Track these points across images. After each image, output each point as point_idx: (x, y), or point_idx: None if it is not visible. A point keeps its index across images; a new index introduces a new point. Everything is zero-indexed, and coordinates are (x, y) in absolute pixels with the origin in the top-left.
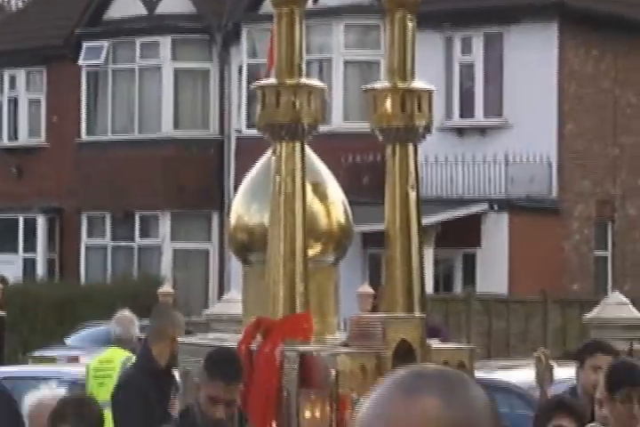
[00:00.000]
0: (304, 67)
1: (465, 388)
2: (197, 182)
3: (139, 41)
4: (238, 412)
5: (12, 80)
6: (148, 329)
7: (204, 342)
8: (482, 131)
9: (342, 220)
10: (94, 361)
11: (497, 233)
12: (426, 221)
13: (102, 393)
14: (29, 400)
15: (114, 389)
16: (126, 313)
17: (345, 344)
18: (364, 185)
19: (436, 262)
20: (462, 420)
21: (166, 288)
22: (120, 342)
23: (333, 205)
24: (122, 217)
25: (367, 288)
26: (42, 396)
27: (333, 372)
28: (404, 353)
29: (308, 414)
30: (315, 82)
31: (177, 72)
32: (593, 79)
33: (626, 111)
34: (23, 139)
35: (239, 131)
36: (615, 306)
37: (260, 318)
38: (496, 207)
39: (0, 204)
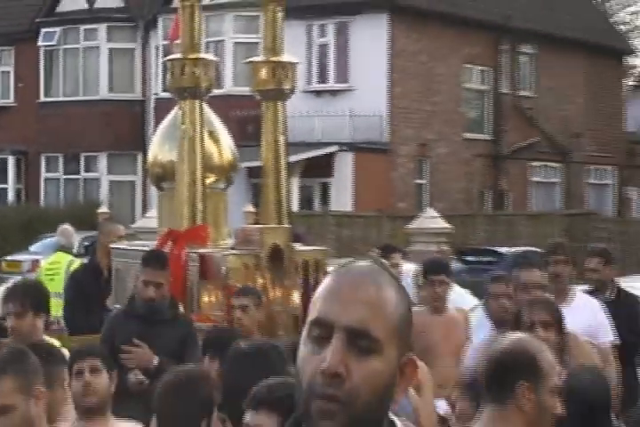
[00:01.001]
0: (203, 46)
1: (395, 282)
2: (126, 131)
3: (82, 28)
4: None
5: None
6: (92, 238)
7: (131, 248)
8: (333, 93)
9: (230, 157)
10: (45, 263)
11: (345, 167)
12: (292, 158)
13: (52, 287)
14: None
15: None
16: (67, 226)
17: (232, 248)
18: (249, 133)
19: (301, 189)
20: (398, 304)
21: (104, 209)
22: (64, 248)
23: (224, 146)
24: (71, 157)
25: (250, 208)
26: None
27: (224, 268)
28: (276, 253)
29: (205, 298)
30: (210, 57)
31: (111, 50)
32: (414, 55)
33: (437, 78)
34: None
35: (156, 93)
36: (429, 219)
37: (171, 230)
38: (344, 148)
39: None
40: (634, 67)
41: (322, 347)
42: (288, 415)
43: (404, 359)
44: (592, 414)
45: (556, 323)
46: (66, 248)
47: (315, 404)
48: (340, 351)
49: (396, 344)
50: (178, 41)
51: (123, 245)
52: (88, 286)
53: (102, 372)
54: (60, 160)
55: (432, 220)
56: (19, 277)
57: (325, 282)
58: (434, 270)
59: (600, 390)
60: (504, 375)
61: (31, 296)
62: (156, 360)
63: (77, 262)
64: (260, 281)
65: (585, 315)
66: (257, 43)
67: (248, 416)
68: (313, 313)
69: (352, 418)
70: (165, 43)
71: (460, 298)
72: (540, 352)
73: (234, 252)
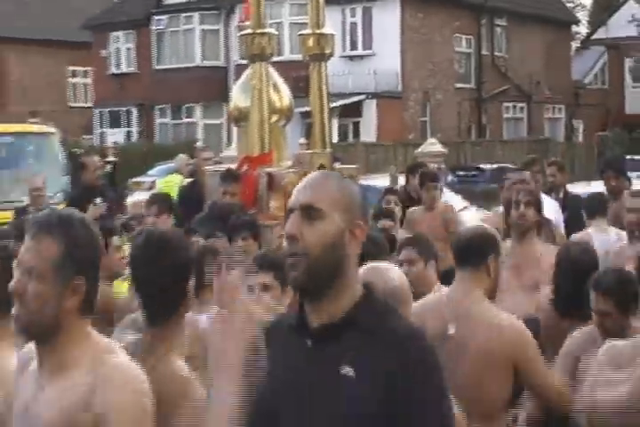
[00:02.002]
0: (267, 24)
1: (340, 176)
2: (215, 87)
3: (182, 15)
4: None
5: (117, 38)
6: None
7: (217, 169)
8: (361, 57)
9: (288, 103)
10: (162, 181)
11: (370, 110)
12: (332, 104)
13: None
14: None
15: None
16: (183, 155)
17: (290, 167)
18: (301, 86)
19: (339, 126)
20: (348, 193)
21: (200, 144)
22: (177, 171)
23: (283, 96)
24: (176, 108)
25: (303, 140)
26: None
27: (284, 182)
28: (322, 170)
29: (271, 203)
30: (272, 31)
31: (203, 31)
32: (418, 29)
33: (435, 45)
34: (125, 68)
35: (235, 60)
36: (431, 145)
37: (246, 155)
38: (369, 97)
39: (113, 103)
40: (577, 33)
41: None
42: (279, 273)
43: (353, 224)
44: (583, 275)
45: (535, 204)
46: (179, 171)
47: (286, 263)
48: (295, 221)
49: (340, 213)
50: (248, 22)
51: (213, 167)
52: (192, 197)
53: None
54: (169, 110)
55: (433, 146)
56: (143, 192)
57: None
58: (430, 180)
59: (589, 255)
60: (480, 251)
61: (165, 202)
62: None
63: (187, 181)
64: None
65: (550, 211)
66: (306, 23)
67: (249, 280)
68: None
69: (309, 267)
70: (241, 24)
71: (450, 199)
72: (497, 234)
73: (291, 170)
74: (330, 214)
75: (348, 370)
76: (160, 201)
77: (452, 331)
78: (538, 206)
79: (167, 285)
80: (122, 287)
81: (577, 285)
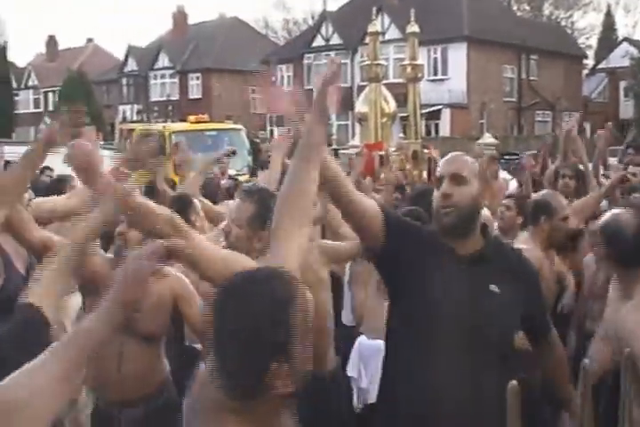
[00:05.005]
0: (379, 58)
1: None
2: (344, 100)
3: (323, 53)
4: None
5: (281, 69)
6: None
7: (344, 152)
8: (441, 80)
9: (393, 110)
10: None
11: (446, 115)
12: (421, 111)
13: None
14: None
15: None
16: None
17: (394, 151)
18: (400, 99)
19: (425, 126)
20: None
21: (334, 136)
22: None
23: (390, 105)
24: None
25: (402, 135)
26: None
27: (391, 159)
28: (415, 153)
29: (382, 175)
30: (383, 62)
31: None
32: (478, 61)
33: (489, 72)
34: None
35: (358, 82)
36: (487, 138)
37: (366, 143)
38: (446, 107)
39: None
40: (587, 64)
41: (439, 187)
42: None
43: (480, 189)
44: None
45: (576, 176)
46: None
47: (439, 211)
48: (448, 184)
49: (476, 181)
50: (367, 57)
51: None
52: None
53: None
54: None
55: (488, 139)
56: None
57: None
58: (493, 159)
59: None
60: (534, 213)
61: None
62: None
63: None
64: (408, 166)
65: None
66: (404, 58)
67: None
68: (438, 174)
69: (458, 215)
70: (363, 59)
71: (502, 174)
72: (552, 199)
73: (395, 153)
74: (471, 181)
75: (493, 287)
76: None
77: None
78: (578, 178)
79: None
80: None
81: None
